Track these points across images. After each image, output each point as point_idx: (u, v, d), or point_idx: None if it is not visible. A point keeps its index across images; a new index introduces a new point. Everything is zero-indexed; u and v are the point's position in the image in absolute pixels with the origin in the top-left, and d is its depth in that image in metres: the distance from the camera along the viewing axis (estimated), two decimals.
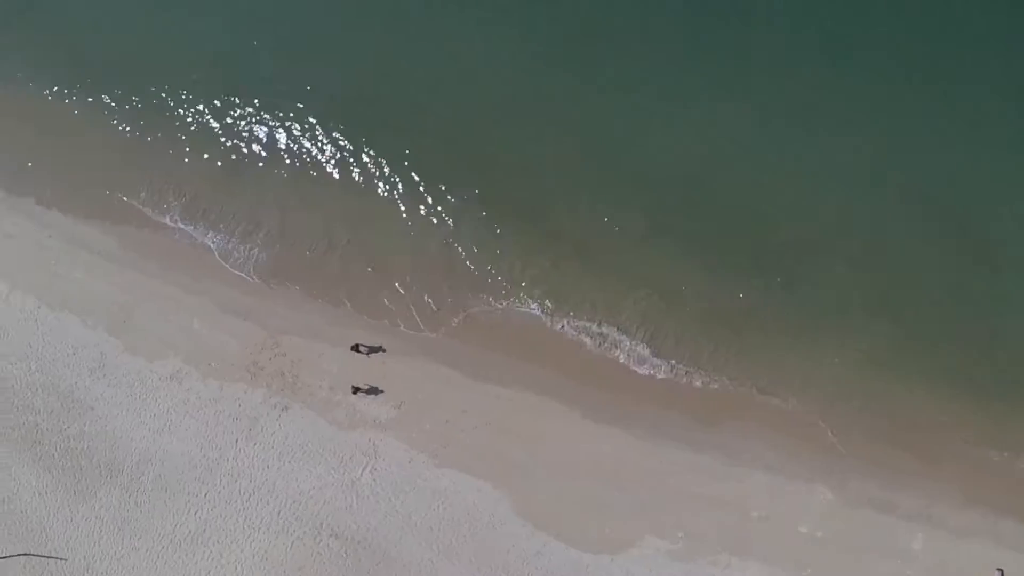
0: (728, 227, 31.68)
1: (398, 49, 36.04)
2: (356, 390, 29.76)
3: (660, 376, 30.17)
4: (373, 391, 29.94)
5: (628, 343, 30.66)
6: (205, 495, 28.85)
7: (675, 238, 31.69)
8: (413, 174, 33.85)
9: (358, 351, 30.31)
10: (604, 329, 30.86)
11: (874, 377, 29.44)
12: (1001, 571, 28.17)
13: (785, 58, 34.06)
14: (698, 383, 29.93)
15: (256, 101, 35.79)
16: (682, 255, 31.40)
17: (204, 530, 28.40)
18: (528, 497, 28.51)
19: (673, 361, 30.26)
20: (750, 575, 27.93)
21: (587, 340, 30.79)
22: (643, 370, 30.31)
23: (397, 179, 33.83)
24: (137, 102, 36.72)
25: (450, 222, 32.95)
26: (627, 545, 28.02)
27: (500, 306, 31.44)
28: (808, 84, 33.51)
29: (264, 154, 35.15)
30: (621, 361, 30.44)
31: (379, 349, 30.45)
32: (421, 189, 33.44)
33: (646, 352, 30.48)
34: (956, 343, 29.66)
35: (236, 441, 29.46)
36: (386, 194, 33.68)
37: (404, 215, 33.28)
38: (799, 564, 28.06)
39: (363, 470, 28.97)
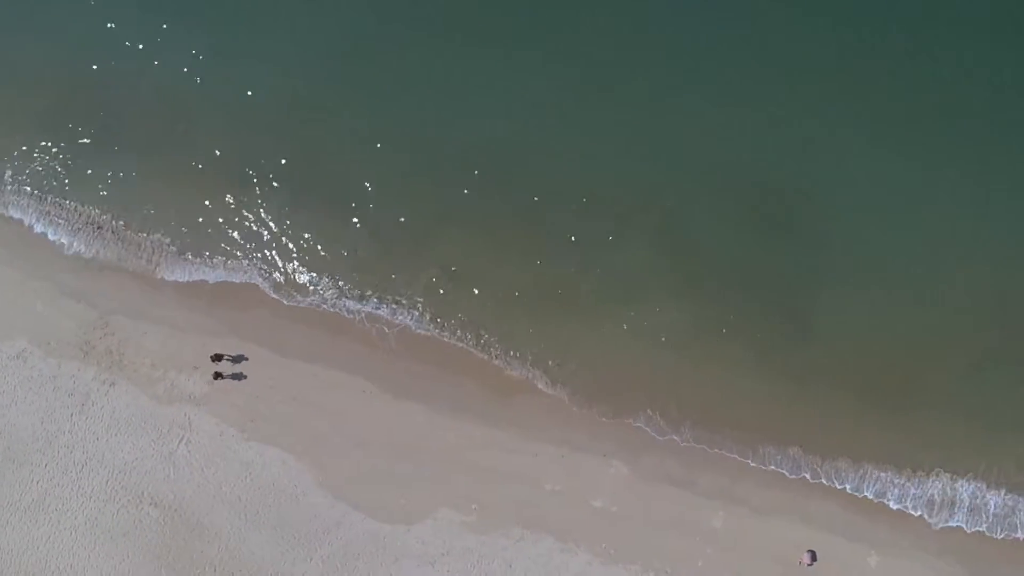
0: (521, 207, 30.79)
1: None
2: (218, 376, 30.37)
3: (457, 353, 29.79)
4: (237, 377, 30.74)
5: (423, 321, 30.33)
6: (45, 466, 30.89)
7: (467, 218, 31.04)
8: (213, 155, 33.81)
9: (220, 360, 30.41)
10: (400, 307, 30.57)
11: (671, 356, 28.41)
12: (812, 552, 26.69)
13: (583, 30, 32.47)
14: (494, 361, 29.51)
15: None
16: (475, 235, 30.79)
17: (44, 498, 30.44)
18: (329, 469, 29.08)
19: (470, 339, 29.84)
20: (542, 548, 27.69)
21: (384, 317, 30.66)
22: (446, 346, 29.94)
23: (204, 160, 33.83)
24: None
25: (247, 207, 32.88)
26: (423, 516, 28.34)
27: (305, 284, 31.56)
28: (606, 55, 31.93)
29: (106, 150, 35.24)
30: (419, 336, 30.16)
31: (242, 358, 30.74)
32: (224, 176, 33.31)
33: (441, 330, 30.12)
34: (761, 323, 28.29)
35: (71, 415, 31.25)
36: (209, 181, 33.59)
37: (214, 200, 33.17)
38: (593, 539, 27.53)
39: (179, 443, 30.23)
